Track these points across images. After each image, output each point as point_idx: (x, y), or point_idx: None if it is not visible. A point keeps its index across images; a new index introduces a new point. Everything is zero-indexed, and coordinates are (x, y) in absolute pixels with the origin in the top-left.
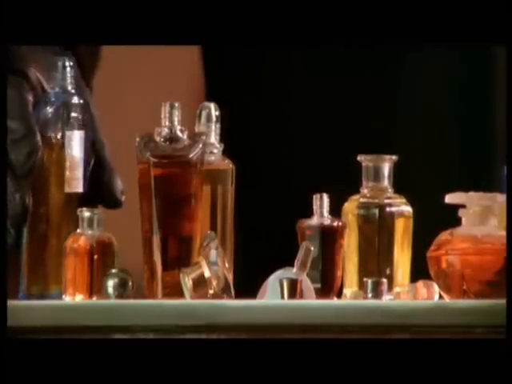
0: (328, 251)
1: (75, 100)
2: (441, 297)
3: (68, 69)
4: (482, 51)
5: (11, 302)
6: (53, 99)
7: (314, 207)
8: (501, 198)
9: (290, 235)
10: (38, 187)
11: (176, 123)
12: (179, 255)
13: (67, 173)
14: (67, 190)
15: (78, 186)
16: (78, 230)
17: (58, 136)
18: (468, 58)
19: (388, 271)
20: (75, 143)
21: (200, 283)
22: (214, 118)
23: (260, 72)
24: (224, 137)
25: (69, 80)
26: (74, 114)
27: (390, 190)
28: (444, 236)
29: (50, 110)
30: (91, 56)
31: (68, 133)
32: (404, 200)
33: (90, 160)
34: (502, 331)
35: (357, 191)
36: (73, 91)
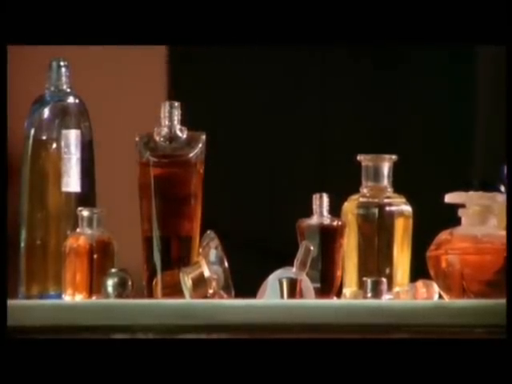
0: (328, 251)
1: (71, 99)
2: (440, 296)
3: (63, 69)
4: (486, 52)
5: (11, 302)
6: (48, 99)
7: (314, 207)
8: (501, 198)
9: (290, 235)
10: (36, 188)
11: (176, 123)
12: (179, 255)
13: (64, 172)
14: (64, 189)
15: (75, 186)
16: (78, 230)
17: (54, 136)
18: (470, 59)
19: (387, 271)
20: (71, 142)
21: (200, 283)
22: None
23: (259, 73)
24: (224, 138)
25: (64, 80)
26: (69, 113)
27: (389, 190)
28: (444, 235)
29: (45, 109)
30: None
31: (64, 132)
32: (404, 199)
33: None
34: (502, 331)
35: (357, 191)
36: (68, 90)
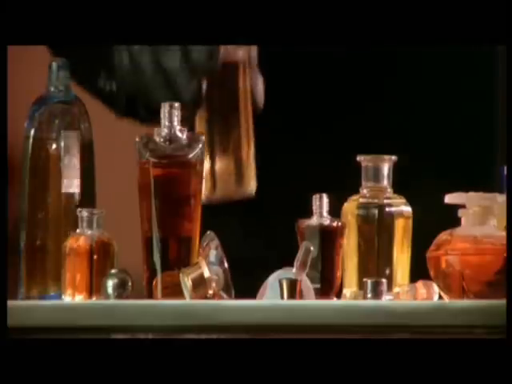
0: (327, 251)
1: (71, 100)
2: (440, 297)
3: (63, 69)
4: (483, 51)
5: (11, 303)
6: (48, 99)
7: (314, 207)
8: (501, 198)
9: (290, 235)
10: (36, 188)
11: (176, 123)
12: (179, 255)
13: (64, 173)
14: (64, 190)
15: (74, 186)
16: (78, 230)
17: (54, 136)
18: (469, 59)
19: (387, 271)
20: (71, 143)
21: (199, 283)
22: None
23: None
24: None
25: (64, 80)
26: (69, 114)
27: (389, 190)
28: (444, 236)
29: (45, 109)
30: None
31: (64, 132)
32: (403, 200)
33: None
34: (502, 331)
35: (357, 191)
36: (68, 90)
